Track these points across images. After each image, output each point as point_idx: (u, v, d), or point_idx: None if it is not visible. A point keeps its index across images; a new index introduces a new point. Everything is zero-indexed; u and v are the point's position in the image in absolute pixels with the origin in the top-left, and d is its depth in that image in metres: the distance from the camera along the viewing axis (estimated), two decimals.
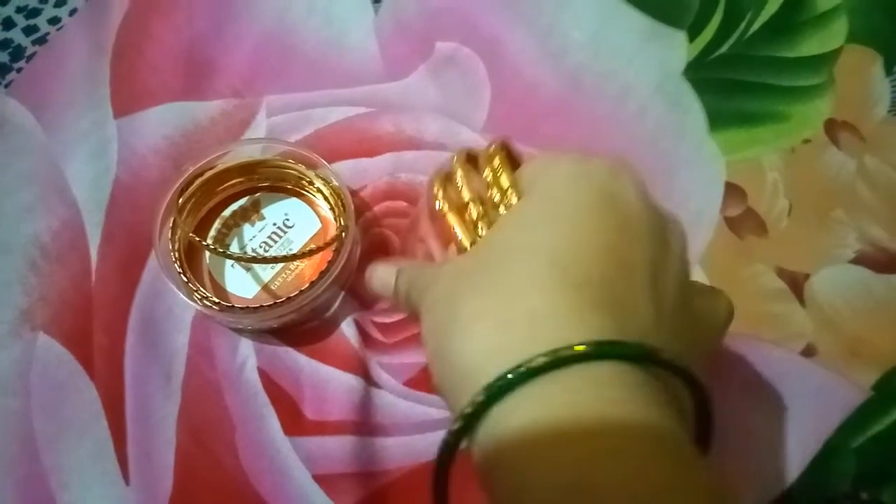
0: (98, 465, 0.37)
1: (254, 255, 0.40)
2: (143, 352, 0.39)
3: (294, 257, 0.39)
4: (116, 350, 0.39)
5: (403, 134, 0.46)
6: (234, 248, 0.41)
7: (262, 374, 0.39)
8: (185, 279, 0.38)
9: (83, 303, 0.40)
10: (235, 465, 0.38)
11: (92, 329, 0.39)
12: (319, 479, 0.37)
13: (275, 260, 0.40)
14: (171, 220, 0.39)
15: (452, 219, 0.29)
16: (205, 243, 0.38)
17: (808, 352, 0.41)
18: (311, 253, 0.39)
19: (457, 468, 0.23)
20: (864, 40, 0.50)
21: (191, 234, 0.38)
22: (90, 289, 0.41)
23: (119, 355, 0.39)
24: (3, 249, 0.41)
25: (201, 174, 0.40)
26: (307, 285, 0.38)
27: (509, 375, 0.20)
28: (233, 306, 0.38)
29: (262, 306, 0.38)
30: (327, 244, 0.38)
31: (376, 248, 0.43)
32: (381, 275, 0.33)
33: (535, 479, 0.20)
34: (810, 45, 0.50)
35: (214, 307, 0.38)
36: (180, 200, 0.39)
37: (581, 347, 0.20)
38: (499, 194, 0.28)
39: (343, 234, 0.39)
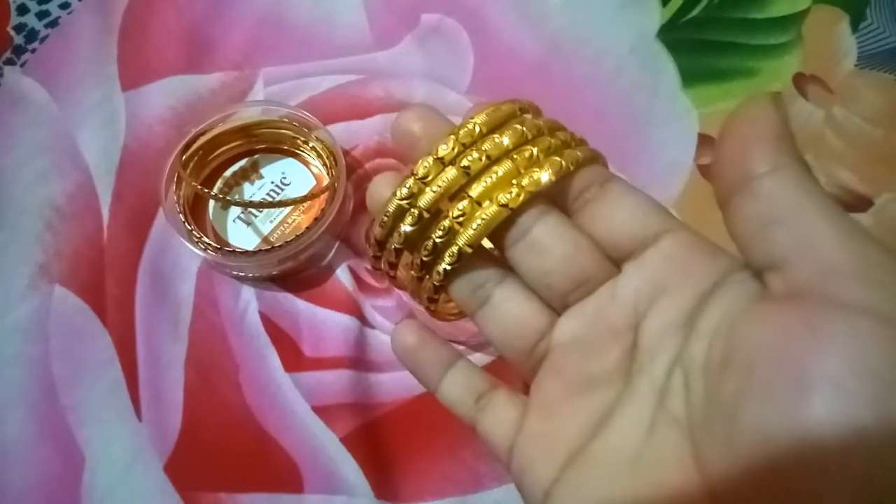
0: (112, 404, 0.40)
1: (251, 201, 0.43)
2: (152, 300, 0.42)
3: (292, 202, 0.42)
4: (127, 299, 0.42)
5: (392, 98, 0.49)
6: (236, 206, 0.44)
7: (263, 317, 0.42)
8: (189, 228, 0.41)
9: (96, 257, 0.43)
10: (239, 401, 0.40)
11: (104, 281, 0.42)
12: (318, 410, 0.40)
13: (271, 205, 0.42)
14: (177, 175, 0.42)
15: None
16: (206, 190, 0.41)
17: None
18: (304, 199, 0.41)
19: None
20: (830, 0, 0.53)
21: (195, 184, 0.40)
22: (102, 245, 0.43)
23: (130, 304, 0.42)
24: (21, 210, 0.44)
25: (203, 133, 0.43)
26: (303, 231, 0.41)
27: None
28: (234, 250, 0.41)
29: (261, 250, 0.40)
30: (322, 191, 0.41)
31: None
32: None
33: None
34: (779, 7, 0.53)
35: (217, 253, 0.40)
36: (184, 157, 0.42)
37: None
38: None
39: (335, 183, 0.42)
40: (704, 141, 0.48)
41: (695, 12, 0.52)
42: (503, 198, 0.21)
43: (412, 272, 0.23)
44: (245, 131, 0.45)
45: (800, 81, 0.50)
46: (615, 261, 0.22)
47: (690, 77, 0.50)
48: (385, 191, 0.22)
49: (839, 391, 0.15)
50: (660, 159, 0.47)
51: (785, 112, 0.19)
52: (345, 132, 0.47)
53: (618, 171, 0.23)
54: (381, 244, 0.23)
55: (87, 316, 0.42)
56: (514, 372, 0.24)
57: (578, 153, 0.22)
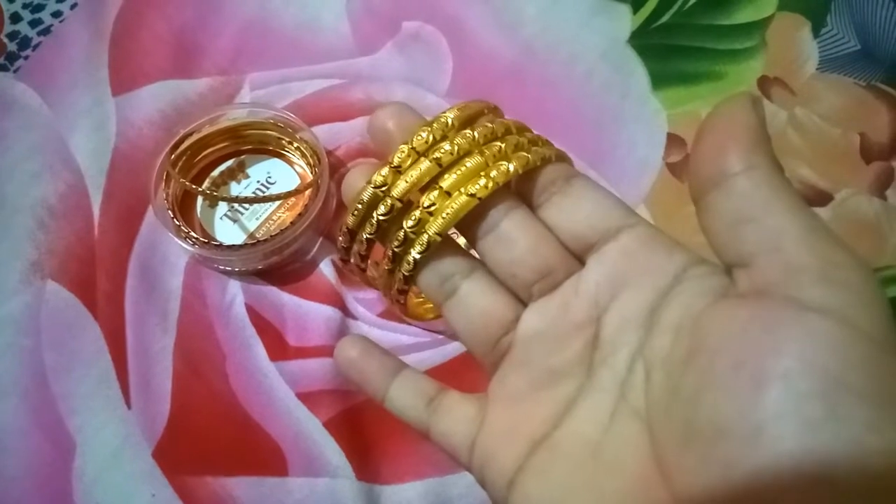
0: (102, 393, 0.41)
1: (236, 196, 0.45)
2: (141, 294, 0.44)
3: (277, 197, 0.43)
4: (117, 293, 0.43)
5: (374, 101, 0.51)
6: (223, 204, 0.46)
7: (249, 309, 0.44)
8: (178, 224, 0.43)
9: (87, 253, 0.45)
10: (226, 389, 0.42)
11: (95, 276, 0.44)
12: (302, 396, 0.41)
13: (257, 200, 0.44)
14: (166, 174, 0.44)
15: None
16: (195, 186, 0.43)
17: None
18: (289, 195, 0.43)
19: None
20: (793, 7, 0.56)
21: (183, 181, 0.42)
22: (93, 241, 0.45)
23: (120, 297, 0.43)
24: (15, 210, 0.46)
25: (192, 134, 0.45)
26: (287, 226, 0.42)
27: None
28: (221, 244, 0.42)
29: (247, 244, 0.42)
30: (306, 187, 0.43)
31: None
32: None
33: None
34: (744, 14, 0.55)
35: (205, 247, 0.42)
36: (173, 157, 0.44)
37: None
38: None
39: (318, 180, 0.43)
40: (673, 140, 0.50)
41: (664, 19, 0.54)
42: (472, 188, 0.22)
43: (383, 264, 0.24)
44: (232, 132, 0.47)
45: (764, 84, 0.52)
46: (578, 253, 0.23)
47: (660, 80, 0.52)
48: (360, 181, 0.23)
49: (792, 388, 0.16)
50: (630, 157, 0.49)
51: (762, 113, 0.19)
52: (328, 133, 0.49)
53: (590, 169, 0.24)
54: (353, 233, 0.24)
55: (78, 309, 0.43)
56: (463, 375, 0.25)
57: (545, 150, 0.23)
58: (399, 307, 0.26)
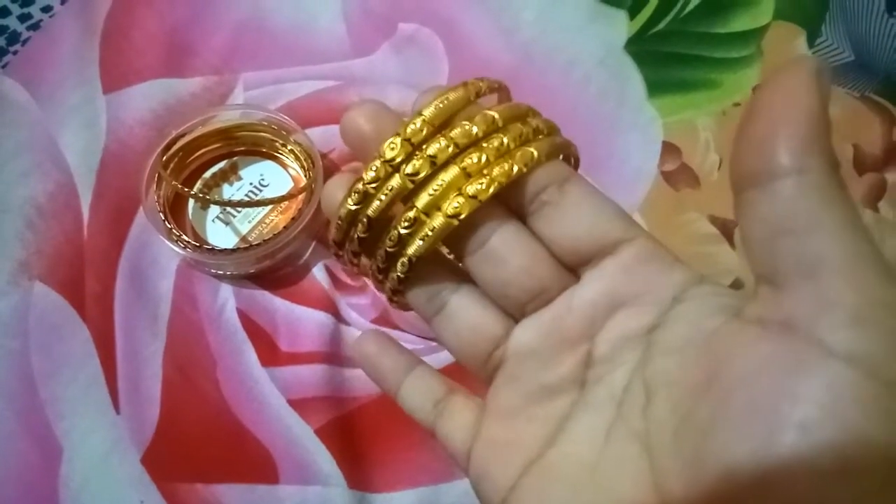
0: (91, 397, 0.41)
1: (230, 200, 0.45)
2: (131, 296, 0.43)
3: (269, 201, 0.43)
4: (107, 295, 0.43)
5: None
6: (215, 206, 0.45)
7: (241, 314, 0.43)
8: (169, 226, 0.42)
9: (76, 254, 0.44)
10: (217, 395, 0.41)
11: (84, 278, 0.43)
12: (294, 403, 0.41)
13: (249, 204, 0.44)
14: (157, 175, 0.43)
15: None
16: (186, 189, 0.42)
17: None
18: (282, 199, 0.43)
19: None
20: (789, 17, 0.56)
21: (174, 183, 0.42)
22: (82, 242, 0.44)
23: (109, 300, 0.43)
24: (2, 209, 0.45)
25: (184, 135, 0.44)
26: (280, 230, 0.42)
27: None
28: (213, 248, 0.42)
29: (239, 248, 0.42)
30: (299, 191, 0.43)
31: None
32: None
33: None
34: (741, 22, 0.55)
35: (196, 251, 0.41)
36: (164, 158, 0.43)
37: None
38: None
39: (312, 184, 0.43)
40: (668, 149, 0.50)
41: (661, 26, 0.54)
42: (450, 209, 0.20)
43: (373, 269, 0.23)
44: (224, 134, 0.46)
45: None
46: (573, 266, 0.22)
47: (656, 87, 0.52)
48: (338, 193, 0.21)
49: (807, 438, 0.15)
50: (625, 165, 0.49)
51: (827, 90, 0.16)
52: (322, 136, 0.48)
53: (585, 177, 0.23)
54: (340, 245, 0.23)
55: (67, 312, 0.43)
56: (460, 382, 0.25)
57: (533, 150, 0.21)
58: (394, 306, 0.25)
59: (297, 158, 0.46)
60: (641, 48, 0.53)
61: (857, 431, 0.15)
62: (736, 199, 0.18)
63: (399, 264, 0.21)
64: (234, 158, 0.47)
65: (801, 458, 0.15)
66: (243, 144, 0.47)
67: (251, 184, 0.46)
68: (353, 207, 0.21)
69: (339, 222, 0.21)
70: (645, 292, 0.21)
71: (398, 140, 0.20)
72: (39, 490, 0.39)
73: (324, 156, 0.48)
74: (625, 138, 0.50)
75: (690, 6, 0.55)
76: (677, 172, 0.49)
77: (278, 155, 0.47)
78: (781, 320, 0.17)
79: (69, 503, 0.38)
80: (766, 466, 0.16)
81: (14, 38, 0.51)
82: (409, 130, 0.20)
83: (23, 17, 0.52)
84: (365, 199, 0.21)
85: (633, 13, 0.54)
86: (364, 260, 0.23)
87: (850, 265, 0.16)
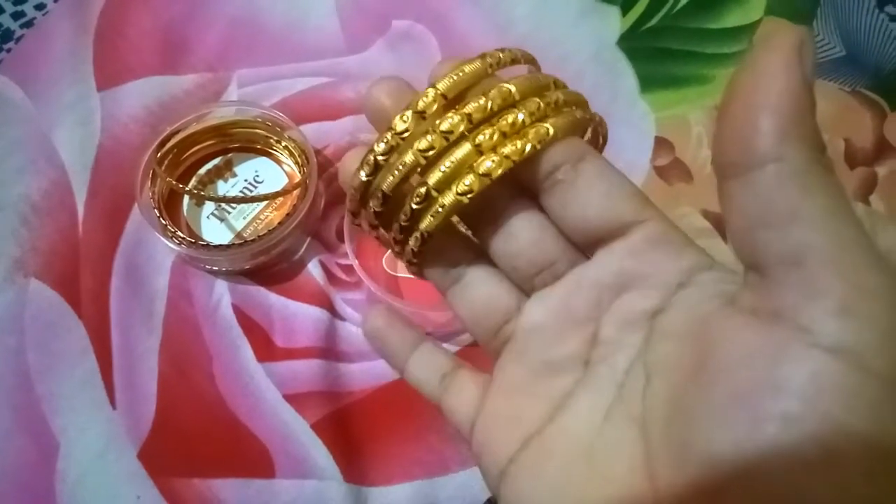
0: (87, 393, 0.41)
1: (223, 196, 0.45)
2: (126, 293, 0.43)
3: (264, 197, 0.43)
4: (102, 292, 0.43)
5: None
6: (210, 202, 0.45)
7: (236, 309, 0.43)
8: (164, 223, 0.42)
9: (71, 251, 0.44)
10: (213, 391, 0.41)
11: (79, 274, 0.43)
12: (289, 398, 0.41)
13: (244, 200, 0.44)
14: (152, 172, 0.43)
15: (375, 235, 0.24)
16: (181, 186, 0.43)
17: None
18: (277, 195, 0.43)
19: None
20: (780, 13, 0.56)
21: (169, 180, 0.42)
22: (77, 239, 0.44)
23: (105, 296, 0.43)
24: None
25: (178, 132, 0.44)
26: (275, 226, 0.42)
27: None
28: (208, 244, 0.42)
29: (234, 244, 0.42)
30: (294, 187, 0.43)
31: (338, 200, 0.47)
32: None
33: None
34: (733, 18, 0.56)
35: (191, 247, 0.42)
36: (159, 155, 0.44)
37: None
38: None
39: (307, 180, 0.43)
40: (661, 143, 0.50)
41: (653, 22, 0.55)
42: (461, 186, 0.20)
43: (391, 240, 0.23)
44: (219, 130, 0.47)
45: None
46: (584, 246, 0.22)
47: (648, 83, 0.52)
48: (355, 165, 0.21)
49: (789, 430, 0.15)
50: (617, 160, 0.48)
51: (810, 63, 0.15)
52: (316, 132, 0.48)
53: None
54: (355, 215, 0.23)
55: (62, 308, 0.43)
56: (482, 358, 0.26)
57: (548, 127, 0.20)
58: (414, 274, 0.25)
59: (291, 155, 0.46)
60: (634, 44, 0.53)
61: (839, 423, 0.15)
62: (719, 188, 0.17)
63: (413, 238, 0.22)
64: (229, 155, 0.47)
65: (784, 449, 0.15)
66: (238, 141, 0.47)
67: (246, 180, 0.47)
68: (366, 178, 0.21)
69: (353, 192, 0.21)
70: (651, 276, 0.21)
71: (409, 113, 0.20)
72: (36, 486, 0.39)
73: (318, 152, 0.48)
74: (617, 133, 0.50)
75: (682, 2, 0.56)
76: (670, 167, 0.49)
77: (273, 151, 0.47)
78: (769, 308, 0.16)
79: (66, 499, 0.39)
80: (749, 457, 0.16)
81: (7, 35, 0.51)
82: (421, 103, 0.20)
83: (16, 15, 0.52)
84: (377, 169, 0.21)
85: (625, 9, 0.55)
86: (382, 231, 0.24)
87: (836, 253, 0.15)
